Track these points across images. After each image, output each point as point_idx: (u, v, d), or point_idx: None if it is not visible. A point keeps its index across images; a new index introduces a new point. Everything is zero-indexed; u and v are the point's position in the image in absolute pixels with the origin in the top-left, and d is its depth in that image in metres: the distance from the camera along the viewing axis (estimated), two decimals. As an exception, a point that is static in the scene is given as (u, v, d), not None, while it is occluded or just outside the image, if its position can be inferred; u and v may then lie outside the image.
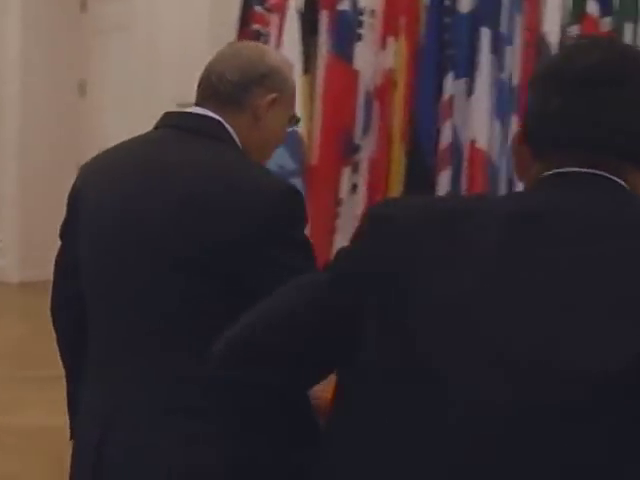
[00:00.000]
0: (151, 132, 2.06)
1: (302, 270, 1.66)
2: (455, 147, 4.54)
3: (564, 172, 1.40)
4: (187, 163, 1.89)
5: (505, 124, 4.37)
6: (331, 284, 1.44)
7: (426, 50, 4.60)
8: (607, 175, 1.38)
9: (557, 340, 1.23)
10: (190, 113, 2.01)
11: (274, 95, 2.03)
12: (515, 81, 4.32)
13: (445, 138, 4.53)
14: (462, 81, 4.51)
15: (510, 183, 4.36)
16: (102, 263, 1.96)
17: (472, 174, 4.49)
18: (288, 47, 4.79)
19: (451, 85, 4.50)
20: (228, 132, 1.97)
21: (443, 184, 4.54)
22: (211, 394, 1.78)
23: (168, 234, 1.83)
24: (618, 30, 3.98)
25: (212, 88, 2.01)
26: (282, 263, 1.78)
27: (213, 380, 1.66)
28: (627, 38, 3.92)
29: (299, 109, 4.87)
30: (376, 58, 4.74)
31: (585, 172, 1.39)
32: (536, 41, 4.24)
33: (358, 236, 1.48)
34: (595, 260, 1.27)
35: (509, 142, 4.33)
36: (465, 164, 4.53)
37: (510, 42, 4.32)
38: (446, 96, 4.51)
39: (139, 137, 2.07)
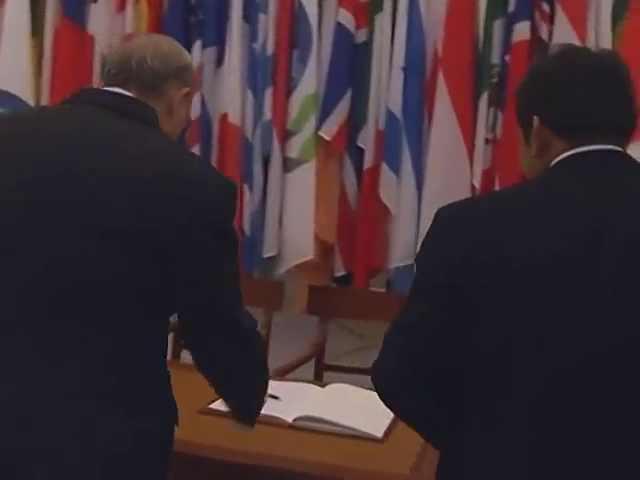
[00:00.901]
0: (69, 106, 1.97)
1: (225, 261, 1.87)
2: (204, 121, 4.20)
3: (593, 150, 1.64)
4: (131, 144, 1.87)
5: (259, 97, 4.09)
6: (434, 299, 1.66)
7: (169, 15, 4.19)
8: (621, 150, 1.66)
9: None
10: (116, 93, 1.96)
11: (187, 89, 2.06)
12: (269, 51, 4.04)
13: (193, 112, 4.17)
14: (211, 50, 4.17)
15: (266, 161, 4.12)
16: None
17: (224, 150, 4.16)
18: (14, 6, 4.23)
19: (199, 54, 4.14)
20: (157, 117, 1.96)
21: (193, 162, 4.19)
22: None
23: (107, 206, 1.79)
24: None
25: (131, 72, 1.98)
26: (211, 251, 1.84)
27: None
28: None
29: (27, 74, 4.36)
30: (113, 22, 4.27)
31: (610, 149, 1.65)
32: (292, 8, 3.99)
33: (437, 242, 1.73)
34: None
35: (265, 117, 4.09)
36: (216, 140, 4.22)
37: (264, 10, 4.04)
38: (194, 65, 4.11)
39: (53, 108, 2.04)
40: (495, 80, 3.91)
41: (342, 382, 3.01)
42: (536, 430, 1.54)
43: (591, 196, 1.59)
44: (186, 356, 2.14)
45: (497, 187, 3.86)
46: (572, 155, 1.64)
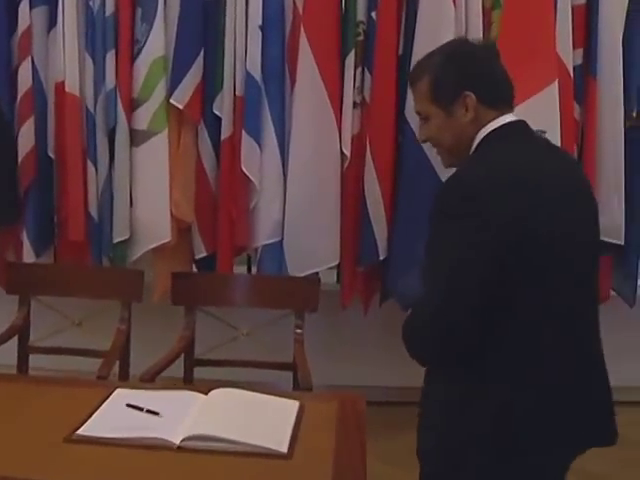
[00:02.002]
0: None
1: None
2: (37, 91, 3.71)
3: (517, 120, 2.07)
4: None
5: (99, 63, 3.62)
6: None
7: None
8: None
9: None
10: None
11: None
12: (109, 10, 3.57)
13: (24, 81, 3.67)
14: (41, 10, 3.66)
15: (111, 134, 3.67)
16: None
17: (62, 123, 3.68)
18: None
19: (27, 15, 3.62)
20: None
21: (27, 137, 3.69)
22: None
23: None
24: None
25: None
26: None
27: None
28: None
29: None
30: None
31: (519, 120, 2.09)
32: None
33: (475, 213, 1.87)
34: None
35: (107, 85, 3.63)
36: (52, 112, 3.73)
37: (101, -38, 3.56)
38: (22, 28, 3.63)
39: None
40: (361, 38, 3.63)
41: (215, 377, 2.69)
42: (564, 342, 1.96)
43: (545, 157, 2.07)
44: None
45: (368, 154, 3.61)
46: (508, 123, 2.05)
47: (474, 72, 2.07)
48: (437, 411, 2.00)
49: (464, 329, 1.87)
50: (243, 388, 2.39)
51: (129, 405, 2.23)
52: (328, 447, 2.10)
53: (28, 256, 3.77)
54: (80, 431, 2.08)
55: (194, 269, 3.87)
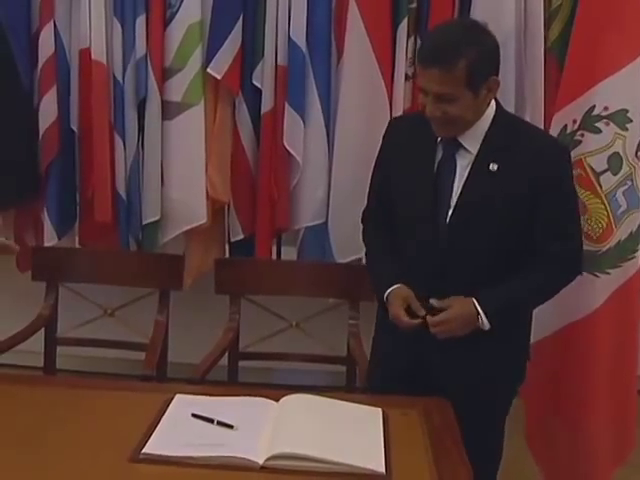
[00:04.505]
0: None
1: None
2: (60, 59, 3.40)
3: None
4: None
5: (128, 28, 3.33)
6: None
7: None
8: None
9: None
10: None
11: None
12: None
13: (46, 47, 3.38)
14: (64, -31, 3.36)
15: (141, 106, 3.39)
16: None
17: (87, 94, 3.39)
18: None
19: (48, -25, 3.32)
20: None
21: (49, 109, 3.40)
22: None
23: None
24: None
25: None
26: None
27: None
28: None
29: None
30: None
31: None
32: None
33: None
34: None
35: (137, 52, 3.34)
36: (76, 81, 3.43)
37: None
38: (42, -9, 3.33)
39: None
40: (415, 5, 3.33)
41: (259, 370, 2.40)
42: None
43: None
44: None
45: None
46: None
47: (499, 59, 2.29)
48: None
49: None
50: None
51: (196, 416, 1.99)
52: (426, 462, 1.87)
53: (49, 238, 3.48)
54: (147, 449, 1.83)
55: (227, 253, 3.61)
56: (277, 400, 2.10)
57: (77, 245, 3.58)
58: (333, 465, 1.79)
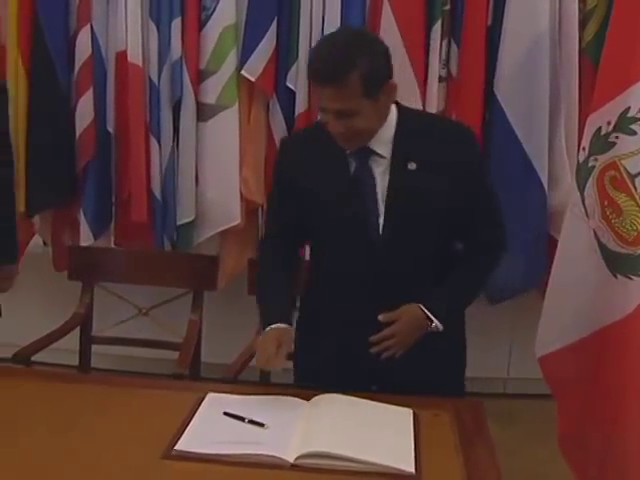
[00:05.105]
0: None
1: None
2: (97, 61, 3.46)
3: None
4: None
5: (164, 30, 3.37)
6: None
7: None
8: None
9: None
10: None
11: None
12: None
13: (83, 49, 3.43)
14: (102, -27, 3.41)
15: (176, 108, 3.43)
16: None
17: (124, 96, 3.44)
18: None
19: (87, -23, 3.37)
20: None
21: (86, 110, 3.45)
22: None
23: None
24: None
25: None
26: None
27: None
28: None
29: None
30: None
31: None
32: None
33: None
34: None
35: (173, 54, 3.38)
36: (112, 83, 3.47)
37: None
38: (81, -7, 3.37)
39: None
40: (448, 7, 3.35)
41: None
42: None
43: None
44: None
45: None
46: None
47: (391, 61, 2.16)
48: None
49: None
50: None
51: (227, 414, 2.00)
52: (456, 463, 1.87)
53: (85, 238, 3.54)
54: (179, 446, 1.84)
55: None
56: (308, 400, 2.11)
57: (112, 245, 3.62)
58: (363, 464, 1.79)
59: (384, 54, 2.14)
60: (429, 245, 2.25)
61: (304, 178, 2.28)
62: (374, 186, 2.19)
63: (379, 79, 2.11)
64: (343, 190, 2.20)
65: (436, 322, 2.22)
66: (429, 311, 2.22)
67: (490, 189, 2.34)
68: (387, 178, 2.19)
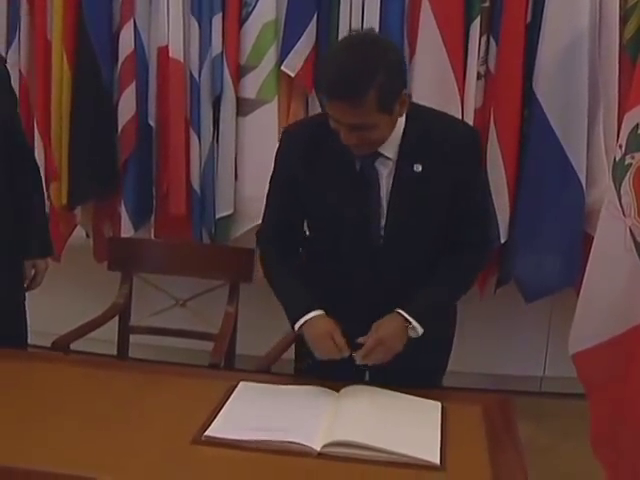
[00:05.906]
0: None
1: None
2: (140, 56, 3.51)
3: None
4: None
5: (205, 26, 3.42)
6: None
7: None
8: None
9: None
10: None
11: None
12: (217, -31, 3.35)
13: (125, 44, 3.49)
14: (145, -31, 3.46)
15: (216, 103, 3.48)
16: None
17: (165, 90, 3.49)
18: None
19: (130, -26, 3.43)
20: None
21: (128, 105, 3.50)
22: None
23: None
24: None
25: None
26: None
27: None
28: None
29: None
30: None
31: None
32: None
33: None
34: None
35: (213, 50, 3.42)
36: (154, 78, 3.53)
37: None
38: (125, -11, 3.43)
39: None
40: (487, 4, 3.34)
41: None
42: None
43: None
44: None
45: (492, 128, 3.35)
46: None
47: (405, 70, 2.21)
48: None
49: None
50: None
51: (258, 402, 2.04)
52: (482, 457, 1.88)
53: (126, 230, 3.60)
54: (209, 432, 1.88)
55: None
56: (338, 391, 2.14)
57: (152, 237, 3.68)
58: (388, 454, 1.81)
59: (399, 63, 2.12)
60: (430, 246, 2.25)
61: (306, 174, 2.25)
62: (378, 187, 2.18)
63: (394, 92, 2.07)
64: (347, 190, 2.19)
65: (414, 324, 2.18)
66: (408, 314, 2.19)
67: (485, 189, 2.39)
68: (392, 179, 2.17)
